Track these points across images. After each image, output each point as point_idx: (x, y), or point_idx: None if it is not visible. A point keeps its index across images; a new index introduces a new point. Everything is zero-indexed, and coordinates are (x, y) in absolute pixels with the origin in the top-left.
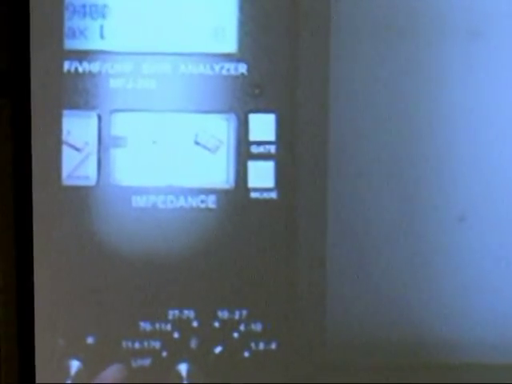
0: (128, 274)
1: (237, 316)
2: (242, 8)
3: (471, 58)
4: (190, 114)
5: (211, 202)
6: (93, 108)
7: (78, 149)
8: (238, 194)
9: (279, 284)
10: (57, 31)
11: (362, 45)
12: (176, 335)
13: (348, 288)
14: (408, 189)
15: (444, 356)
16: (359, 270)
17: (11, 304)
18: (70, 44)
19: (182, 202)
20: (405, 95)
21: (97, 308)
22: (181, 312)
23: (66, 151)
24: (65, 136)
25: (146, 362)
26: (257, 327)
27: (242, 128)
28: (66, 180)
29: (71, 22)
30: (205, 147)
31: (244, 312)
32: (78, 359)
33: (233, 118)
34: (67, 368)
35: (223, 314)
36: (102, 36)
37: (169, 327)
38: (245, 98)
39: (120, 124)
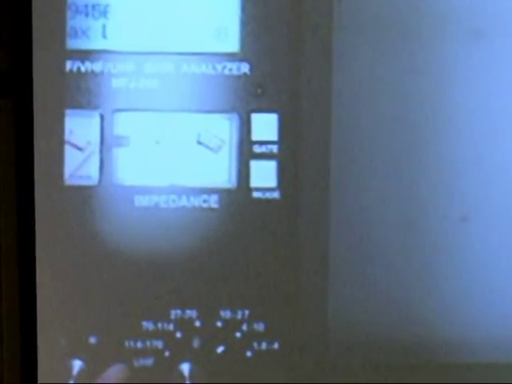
0: (130, 273)
1: (239, 316)
2: (244, 8)
3: (474, 59)
4: (192, 114)
5: (213, 201)
6: (95, 107)
7: (80, 148)
8: (240, 193)
9: (281, 284)
10: (59, 31)
11: (364, 44)
12: (178, 335)
13: (350, 288)
14: (410, 189)
15: (445, 356)
16: (361, 269)
17: (14, 304)
18: (72, 43)
19: (184, 202)
20: (407, 95)
21: (99, 308)
22: (183, 312)
23: (69, 151)
24: (67, 136)
25: (149, 361)
26: (259, 327)
27: (245, 128)
28: (69, 180)
29: (73, 22)
30: (207, 147)
31: (246, 312)
32: (80, 359)
33: (235, 117)
34: (69, 368)
35: (225, 314)
36: (104, 35)
37: (171, 327)
38: (247, 97)
39: (122, 124)
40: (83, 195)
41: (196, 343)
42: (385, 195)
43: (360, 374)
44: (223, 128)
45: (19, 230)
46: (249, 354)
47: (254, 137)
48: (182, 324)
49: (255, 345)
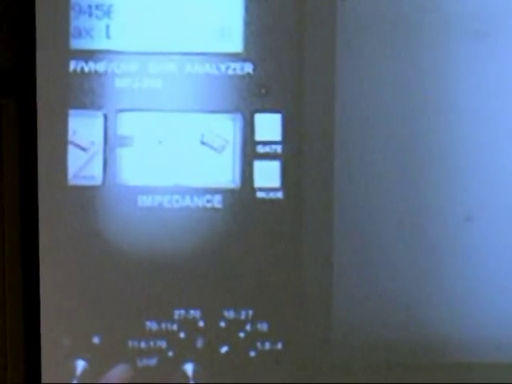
0: (134, 273)
1: (243, 316)
2: (247, 8)
3: (478, 58)
4: (195, 114)
5: (217, 201)
6: (99, 108)
7: (83, 148)
8: (243, 193)
9: (285, 284)
10: (63, 31)
11: (368, 44)
12: (182, 335)
13: (354, 288)
14: (414, 189)
15: (448, 355)
16: (365, 270)
17: (17, 304)
18: (75, 44)
19: (187, 202)
20: (411, 95)
21: (102, 308)
22: (187, 312)
23: (72, 151)
24: (71, 136)
25: (152, 361)
26: (263, 327)
27: (248, 128)
28: (72, 180)
29: (77, 22)
30: (211, 147)
31: (250, 312)
32: (83, 359)
33: (239, 117)
34: (73, 368)
35: (229, 314)
36: (107, 36)
37: (175, 327)
38: (251, 97)
39: (126, 124)
40: (87, 195)
41: (200, 343)
42: (389, 195)
43: (363, 374)
44: (227, 128)
45: (23, 230)
46: (252, 354)
47: (258, 137)
48: (186, 324)
49: (259, 345)
